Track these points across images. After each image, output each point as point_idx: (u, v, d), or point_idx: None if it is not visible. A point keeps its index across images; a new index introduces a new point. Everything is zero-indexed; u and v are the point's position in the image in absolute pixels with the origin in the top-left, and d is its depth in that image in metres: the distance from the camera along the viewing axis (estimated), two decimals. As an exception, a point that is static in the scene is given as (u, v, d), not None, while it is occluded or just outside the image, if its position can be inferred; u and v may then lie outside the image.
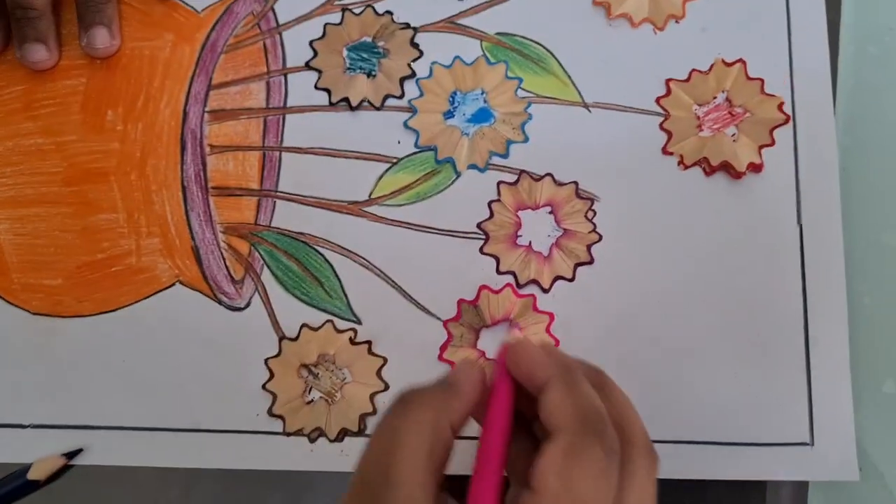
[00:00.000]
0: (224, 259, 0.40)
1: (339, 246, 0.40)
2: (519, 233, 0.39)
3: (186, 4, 0.43)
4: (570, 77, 0.41)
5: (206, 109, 0.41)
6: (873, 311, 0.39)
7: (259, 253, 0.40)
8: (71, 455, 0.38)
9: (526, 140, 0.40)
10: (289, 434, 0.38)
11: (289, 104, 0.41)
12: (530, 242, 0.39)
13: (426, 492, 0.25)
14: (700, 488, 0.37)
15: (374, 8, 0.42)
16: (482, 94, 0.41)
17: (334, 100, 0.41)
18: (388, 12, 0.42)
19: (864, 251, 0.40)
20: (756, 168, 0.39)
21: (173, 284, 0.40)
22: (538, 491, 0.24)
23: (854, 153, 0.41)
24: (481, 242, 0.39)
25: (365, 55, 0.42)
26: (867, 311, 0.39)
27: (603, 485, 0.25)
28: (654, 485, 0.27)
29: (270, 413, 0.38)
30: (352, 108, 0.41)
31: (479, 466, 0.26)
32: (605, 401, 0.28)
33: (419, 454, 0.25)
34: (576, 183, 0.40)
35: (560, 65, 0.41)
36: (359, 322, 0.39)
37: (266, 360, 0.38)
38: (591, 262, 0.39)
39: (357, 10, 0.42)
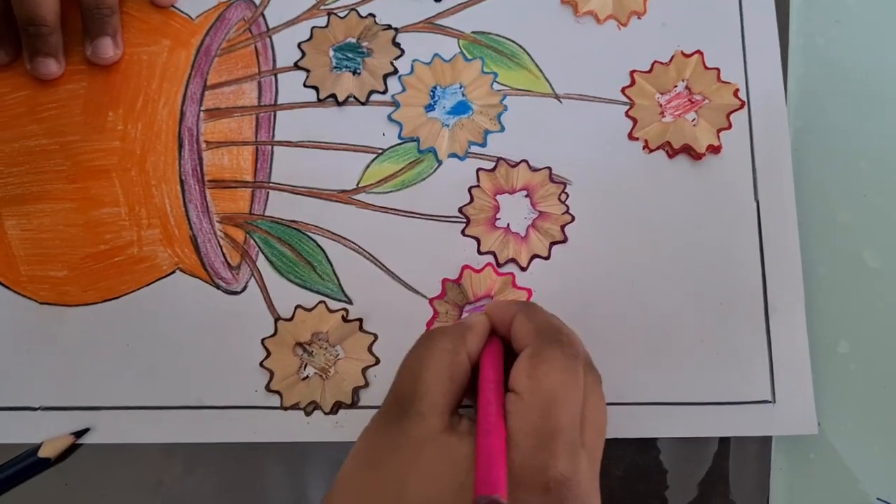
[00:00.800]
0: (221, 247, 0.42)
1: (329, 232, 0.42)
2: (497, 216, 0.42)
3: (182, 12, 0.45)
4: (541, 71, 0.44)
5: (202, 108, 0.44)
6: (828, 280, 0.42)
7: (254, 240, 0.42)
8: (79, 434, 0.40)
9: (502, 130, 0.43)
10: (286, 408, 0.39)
11: (279, 102, 0.44)
12: (508, 224, 0.42)
13: (447, 402, 0.30)
14: (671, 447, 0.40)
15: (357, 11, 0.45)
16: (460, 88, 0.44)
17: (322, 96, 0.43)
18: (371, 15, 0.45)
19: (818, 225, 0.42)
20: (715, 150, 0.42)
21: (173, 272, 0.42)
22: (516, 391, 0.29)
23: (805, 135, 0.43)
24: (463, 225, 0.42)
25: (350, 55, 0.44)
26: (822, 280, 0.42)
27: (569, 378, 0.29)
28: (602, 398, 0.32)
29: (268, 389, 0.40)
30: (339, 104, 0.43)
31: (482, 386, 0.31)
32: None
33: (442, 374, 0.30)
34: (549, 168, 0.42)
35: (532, 60, 0.44)
36: (350, 302, 0.41)
37: (263, 340, 0.40)
38: (564, 241, 0.41)
39: (342, 14, 0.45)
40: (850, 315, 0.41)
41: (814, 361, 0.40)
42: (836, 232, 0.42)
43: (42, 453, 0.39)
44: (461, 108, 0.43)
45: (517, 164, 0.42)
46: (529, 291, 0.41)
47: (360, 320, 0.41)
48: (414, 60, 0.44)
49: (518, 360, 0.31)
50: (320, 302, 0.41)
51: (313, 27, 0.45)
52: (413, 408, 0.30)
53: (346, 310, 0.41)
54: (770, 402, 0.39)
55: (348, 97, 0.43)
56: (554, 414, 0.28)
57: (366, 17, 0.45)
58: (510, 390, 0.30)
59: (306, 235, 0.42)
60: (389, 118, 0.43)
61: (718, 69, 0.43)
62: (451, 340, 0.32)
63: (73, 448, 0.40)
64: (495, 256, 0.41)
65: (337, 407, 0.40)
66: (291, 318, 0.41)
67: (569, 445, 0.28)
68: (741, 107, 0.43)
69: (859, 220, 0.43)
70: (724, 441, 0.40)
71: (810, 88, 0.44)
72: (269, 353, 0.40)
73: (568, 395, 0.29)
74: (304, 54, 0.44)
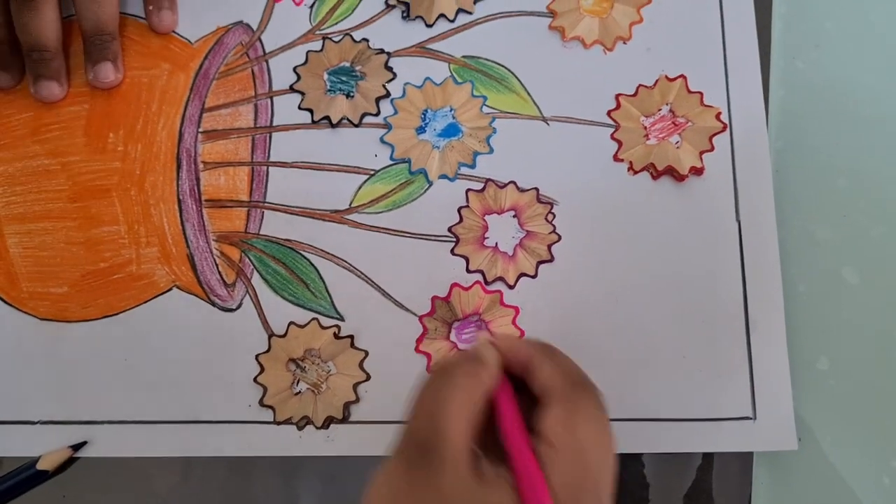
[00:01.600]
0: (217, 265, 0.43)
1: (322, 251, 0.43)
2: (486, 235, 0.43)
3: (181, 37, 0.47)
4: (529, 94, 0.45)
5: (200, 130, 0.45)
6: (807, 297, 0.43)
7: (249, 259, 0.43)
8: (77, 447, 0.41)
9: (491, 151, 0.44)
10: (279, 423, 0.40)
11: (275, 123, 0.45)
12: (496, 244, 0.43)
13: (468, 446, 0.29)
14: (655, 461, 0.41)
15: (351, 36, 0.46)
16: (451, 111, 0.45)
17: (316, 118, 0.45)
18: (365, 39, 0.46)
19: (798, 243, 0.43)
20: (697, 171, 0.43)
21: (171, 289, 0.43)
22: (551, 443, 0.29)
23: (786, 156, 0.45)
24: (452, 244, 0.43)
25: (344, 78, 0.45)
26: (802, 298, 0.43)
27: (602, 429, 0.30)
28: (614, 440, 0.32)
29: (262, 404, 0.40)
30: (332, 126, 0.45)
31: (509, 433, 0.30)
32: None
33: (462, 415, 0.29)
34: (537, 189, 0.43)
35: (520, 83, 0.45)
36: (342, 319, 0.42)
37: (257, 356, 0.41)
38: (551, 260, 0.42)
39: (336, 39, 0.46)
40: (830, 331, 0.42)
41: (794, 377, 0.40)
42: (815, 250, 0.43)
43: (40, 466, 0.40)
44: (451, 131, 0.44)
45: (505, 185, 0.43)
46: (517, 309, 0.42)
47: (352, 337, 0.42)
48: (406, 84, 0.45)
49: (550, 408, 0.30)
50: (313, 319, 0.42)
51: (308, 51, 0.46)
52: (436, 454, 0.28)
53: (338, 327, 0.42)
54: (751, 418, 0.40)
55: (342, 119, 0.45)
56: (591, 468, 0.28)
57: (359, 41, 0.46)
58: (541, 438, 0.29)
59: (300, 254, 0.43)
60: (382, 140, 0.44)
61: (702, 93, 0.44)
62: (467, 378, 0.31)
63: (70, 461, 0.41)
64: (483, 275, 0.42)
65: (328, 422, 0.40)
66: (285, 335, 0.42)
67: (602, 499, 0.29)
68: (723, 130, 0.44)
69: (838, 237, 0.44)
70: (707, 455, 0.41)
71: (790, 110, 0.45)
72: (262, 369, 0.41)
73: (602, 448, 0.29)
74: (299, 77, 0.45)
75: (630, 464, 0.41)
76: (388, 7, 0.47)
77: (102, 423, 0.41)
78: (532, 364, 0.32)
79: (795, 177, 0.44)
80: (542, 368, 0.32)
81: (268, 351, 0.41)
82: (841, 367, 0.42)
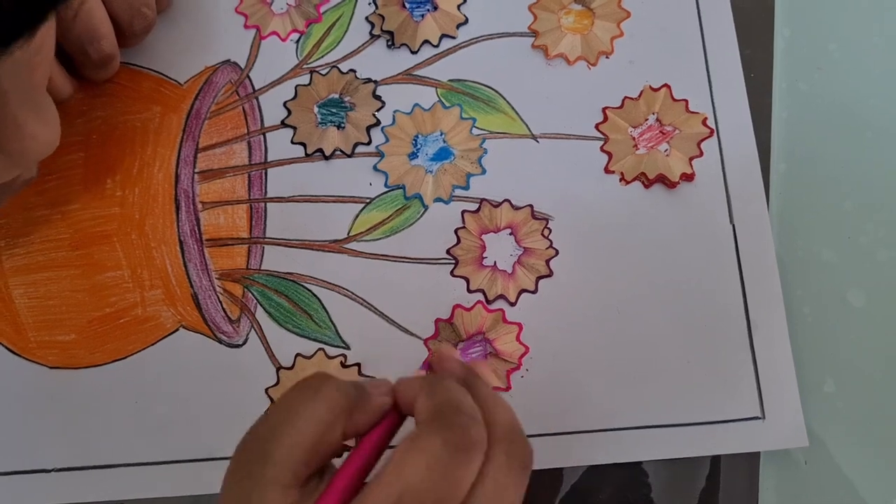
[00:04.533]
0: (221, 302, 0.44)
1: (323, 281, 0.43)
2: (484, 255, 0.43)
3: (170, 78, 0.47)
4: (517, 113, 0.46)
5: (196, 170, 0.46)
6: (812, 319, 0.43)
7: (252, 294, 0.44)
8: None
9: (483, 172, 0.45)
10: (292, 455, 0.41)
11: (269, 159, 0.46)
12: (495, 262, 0.43)
13: (296, 477, 0.27)
14: (661, 469, 0.41)
15: (338, 68, 0.47)
16: (441, 135, 0.45)
17: (310, 151, 0.45)
18: (352, 70, 0.47)
19: (802, 265, 0.43)
20: (688, 177, 0.43)
21: (177, 329, 0.43)
22: (377, 478, 0.26)
23: (790, 178, 0.45)
24: (452, 266, 0.43)
25: (334, 110, 0.46)
26: (807, 320, 0.43)
27: (436, 475, 0.25)
28: (518, 477, 0.28)
29: (274, 437, 0.41)
30: (326, 158, 0.45)
31: (338, 473, 0.28)
32: (473, 398, 0.29)
33: (303, 444, 0.27)
34: (531, 206, 0.44)
35: (508, 103, 0.46)
36: (347, 347, 0.42)
37: (266, 390, 0.42)
38: (550, 274, 0.43)
39: (323, 72, 0.47)
40: (836, 354, 0.42)
41: (801, 400, 0.40)
42: (819, 272, 0.43)
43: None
44: (443, 154, 0.45)
45: (500, 203, 0.44)
46: (520, 326, 0.42)
47: (359, 365, 0.42)
48: (395, 111, 0.46)
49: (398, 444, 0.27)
50: (319, 349, 0.42)
51: (297, 86, 0.47)
52: (262, 472, 0.26)
53: (344, 355, 0.42)
54: (759, 417, 0.40)
55: (335, 151, 0.45)
56: None
57: (346, 72, 0.47)
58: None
59: (302, 286, 0.43)
60: (375, 168, 0.45)
61: (686, 100, 0.45)
62: (332, 410, 0.28)
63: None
64: (485, 294, 0.43)
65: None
66: (292, 367, 0.42)
67: None
68: (710, 134, 0.44)
69: (843, 260, 0.44)
70: (711, 476, 0.41)
71: (794, 132, 0.45)
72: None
73: (428, 491, 0.25)
74: (290, 112, 0.46)
75: (635, 476, 0.41)
76: (373, 37, 0.47)
77: (118, 466, 0.41)
78: (416, 400, 0.29)
79: (799, 199, 0.44)
80: (418, 403, 0.28)
81: (277, 384, 0.42)
82: (848, 390, 0.42)
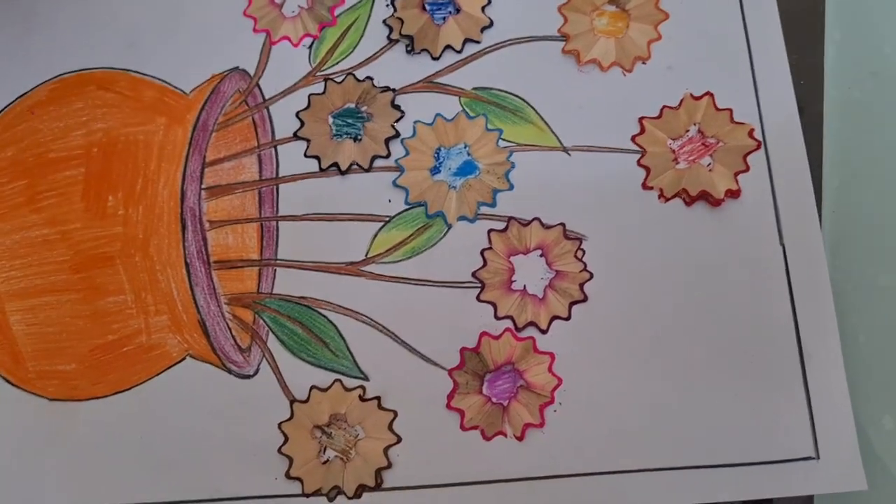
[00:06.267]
0: (230, 329, 0.41)
1: (340, 306, 0.41)
2: (513, 278, 0.41)
3: (174, 87, 0.45)
4: (547, 124, 0.43)
5: (203, 187, 0.43)
6: (869, 349, 0.40)
7: (263, 320, 0.41)
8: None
9: (511, 188, 0.42)
10: (308, 495, 0.38)
11: (281, 174, 0.43)
12: (525, 286, 0.40)
13: None
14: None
15: (354, 75, 0.44)
16: (465, 147, 0.43)
17: (324, 166, 0.43)
18: (369, 78, 0.44)
19: (857, 291, 0.41)
20: (734, 194, 0.41)
21: (184, 359, 0.41)
22: None
23: (844, 195, 0.42)
24: (478, 291, 0.40)
25: (350, 120, 0.43)
26: (863, 349, 0.40)
27: None
28: None
29: (288, 476, 0.39)
30: (342, 173, 0.43)
31: None
32: None
33: None
34: (563, 225, 0.41)
35: (537, 113, 0.43)
36: (366, 378, 0.40)
37: (279, 425, 0.39)
38: (584, 299, 0.40)
39: (338, 79, 0.44)
40: (895, 387, 0.40)
41: (858, 437, 0.38)
42: (877, 297, 0.41)
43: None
44: (468, 169, 0.42)
45: (529, 222, 0.41)
46: (552, 355, 0.39)
47: (379, 398, 0.39)
48: (415, 122, 0.43)
49: None
50: (336, 380, 0.40)
51: (310, 95, 0.44)
52: None
53: (363, 387, 0.40)
54: (813, 458, 0.38)
55: (351, 165, 0.42)
56: None
57: (363, 80, 0.44)
58: None
59: (317, 312, 0.41)
60: (395, 184, 0.42)
61: (731, 109, 0.42)
62: None
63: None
64: (513, 321, 0.40)
65: (361, 490, 0.38)
66: (307, 400, 0.40)
67: None
68: (758, 147, 0.41)
69: None
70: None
71: (847, 144, 0.43)
72: (286, 438, 0.39)
73: None
74: (302, 123, 0.43)
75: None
76: (391, 42, 0.45)
77: (122, 506, 0.39)
78: None
79: (855, 217, 0.42)
80: None
81: (290, 418, 0.39)
82: None
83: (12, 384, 0.41)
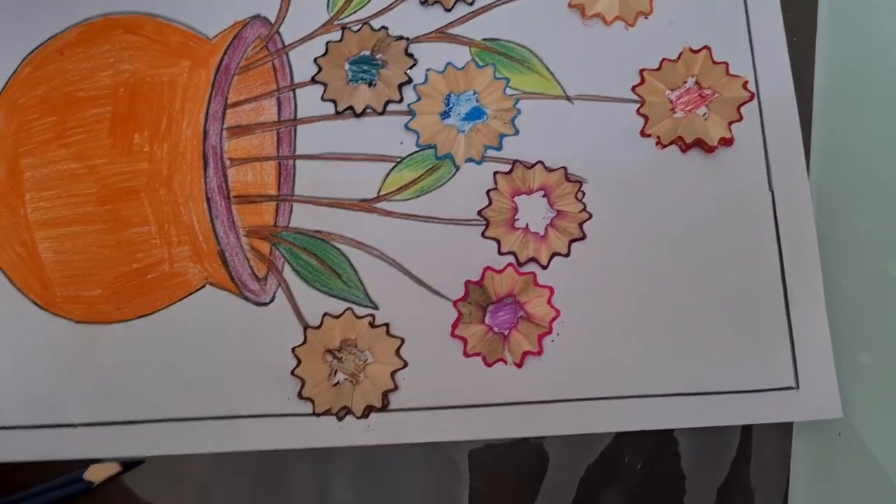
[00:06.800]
0: (248, 260, 0.43)
1: (353, 240, 0.43)
2: (516, 217, 0.42)
3: (199, 32, 0.47)
4: (552, 74, 0.45)
5: (224, 127, 0.45)
6: (850, 291, 0.42)
7: (280, 252, 0.43)
8: (128, 466, 0.41)
9: (517, 133, 0.44)
10: (318, 414, 0.40)
11: (299, 116, 0.45)
12: (527, 224, 0.42)
13: None
14: (692, 438, 0.40)
15: (370, 24, 0.46)
16: (474, 94, 0.44)
17: (340, 109, 0.44)
18: (384, 27, 0.46)
19: (840, 236, 0.42)
20: (727, 142, 0.42)
21: (203, 286, 0.43)
22: None
23: (831, 145, 0.43)
24: (482, 228, 0.42)
25: (365, 67, 0.45)
26: (844, 292, 0.42)
27: None
28: None
29: (300, 396, 0.40)
30: (356, 116, 0.44)
31: None
32: None
33: None
34: (565, 168, 0.43)
35: (543, 63, 0.45)
36: (376, 308, 0.42)
37: (293, 349, 0.41)
38: (583, 237, 0.42)
39: (355, 28, 0.46)
40: (873, 326, 0.41)
41: (836, 371, 0.40)
42: (858, 243, 0.42)
43: (87, 476, 0.40)
44: (476, 114, 0.44)
45: (533, 165, 0.43)
46: (551, 289, 0.41)
47: (387, 325, 0.41)
48: (427, 70, 0.45)
49: None
50: (347, 309, 0.42)
51: (328, 42, 0.46)
52: None
53: (372, 315, 0.42)
54: (794, 388, 0.39)
55: (365, 108, 0.44)
56: None
57: (378, 29, 0.46)
58: None
59: (330, 244, 0.43)
60: (406, 127, 0.44)
61: (727, 63, 0.44)
62: None
63: (119, 474, 0.41)
64: (516, 256, 0.42)
65: (368, 411, 0.40)
66: (320, 326, 0.42)
67: None
68: (751, 98, 0.43)
69: (883, 230, 0.42)
70: (742, 446, 0.40)
71: (836, 98, 0.44)
72: (299, 362, 0.41)
73: None
74: (320, 69, 0.45)
75: (664, 449, 0.40)
76: (406, -7, 0.46)
77: (143, 422, 0.41)
78: None
79: (840, 168, 0.43)
80: None
81: (304, 343, 0.41)
82: (884, 363, 0.41)
83: (41, 307, 0.43)
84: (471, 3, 0.46)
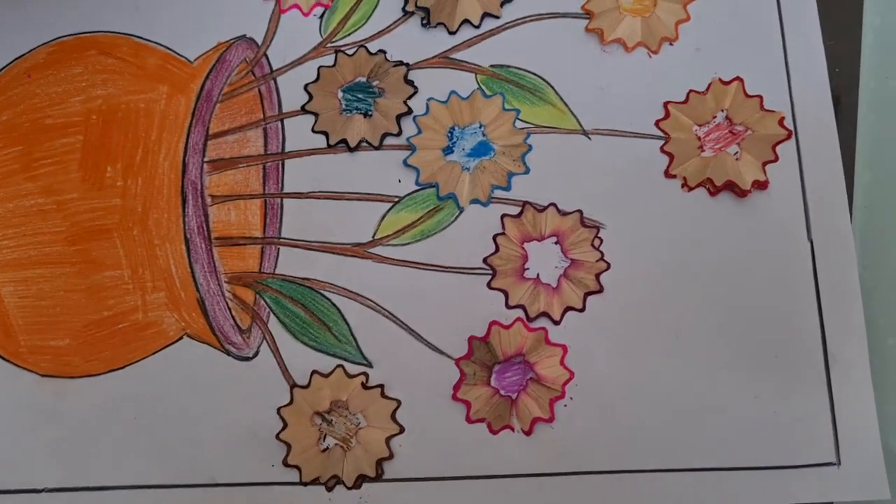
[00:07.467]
0: (230, 309, 0.40)
1: (345, 289, 0.40)
2: (526, 265, 0.39)
3: (178, 55, 0.43)
4: (567, 105, 0.41)
5: (205, 160, 0.42)
6: None
7: (265, 301, 0.40)
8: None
9: (527, 171, 0.41)
10: (305, 484, 0.38)
11: (287, 149, 0.42)
12: (538, 275, 0.39)
13: None
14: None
15: (366, 48, 0.43)
16: (480, 127, 0.41)
17: (332, 142, 0.41)
18: (381, 51, 0.43)
19: (888, 291, 0.40)
20: (761, 185, 0.39)
21: (181, 338, 0.40)
22: None
23: (875, 190, 0.41)
24: (489, 277, 0.39)
25: (360, 95, 0.42)
26: (892, 351, 0.39)
27: None
28: None
29: (286, 463, 0.38)
30: (350, 150, 0.41)
31: None
32: None
33: None
34: (580, 211, 0.40)
35: (556, 93, 0.42)
36: (370, 365, 0.39)
37: (279, 409, 0.38)
38: (600, 290, 0.39)
39: (350, 52, 0.42)
40: None
41: (882, 445, 0.37)
42: None
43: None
44: (482, 150, 0.41)
45: (545, 207, 0.40)
46: (564, 348, 0.38)
47: (382, 386, 0.38)
48: (429, 99, 0.42)
49: None
50: (338, 366, 0.39)
51: (320, 67, 0.43)
52: None
53: (365, 374, 0.38)
54: (834, 464, 0.37)
55: (360, 142, 0.41)
56: None
57: (375, 53, 0.42)
58: None
59: (320, 294, 0.40)
60: (405, 163, 0.41)
61: (761, 96, 0.41)
62: None
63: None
64: (525, 310, 0.39)
65: (360, 481, 0.38)
66: (308, 385, 0.39)
67: None
68: (788, 137, 0.40)
69: None
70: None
71: (882, 137, 0.41)
72: (285, 424, 0.38)
73: None
74: (311, 97, 0.42)
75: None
76: (406, 14, 0.43)
77: (112, 488, 0.38)
78: None
79: (887, 213, 0.41)
80: None
81: (290, 404, 0.38)
82: None
83: (3, 358, 0.40)
84: (477, 26, 0.43)
